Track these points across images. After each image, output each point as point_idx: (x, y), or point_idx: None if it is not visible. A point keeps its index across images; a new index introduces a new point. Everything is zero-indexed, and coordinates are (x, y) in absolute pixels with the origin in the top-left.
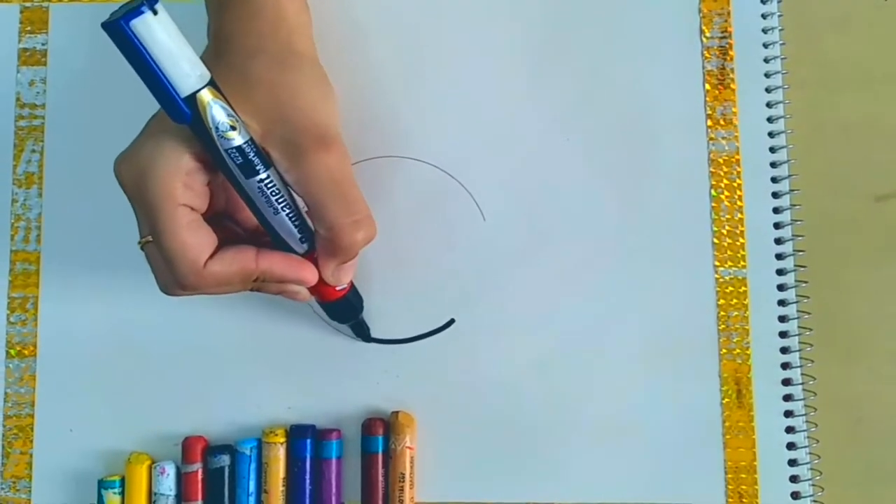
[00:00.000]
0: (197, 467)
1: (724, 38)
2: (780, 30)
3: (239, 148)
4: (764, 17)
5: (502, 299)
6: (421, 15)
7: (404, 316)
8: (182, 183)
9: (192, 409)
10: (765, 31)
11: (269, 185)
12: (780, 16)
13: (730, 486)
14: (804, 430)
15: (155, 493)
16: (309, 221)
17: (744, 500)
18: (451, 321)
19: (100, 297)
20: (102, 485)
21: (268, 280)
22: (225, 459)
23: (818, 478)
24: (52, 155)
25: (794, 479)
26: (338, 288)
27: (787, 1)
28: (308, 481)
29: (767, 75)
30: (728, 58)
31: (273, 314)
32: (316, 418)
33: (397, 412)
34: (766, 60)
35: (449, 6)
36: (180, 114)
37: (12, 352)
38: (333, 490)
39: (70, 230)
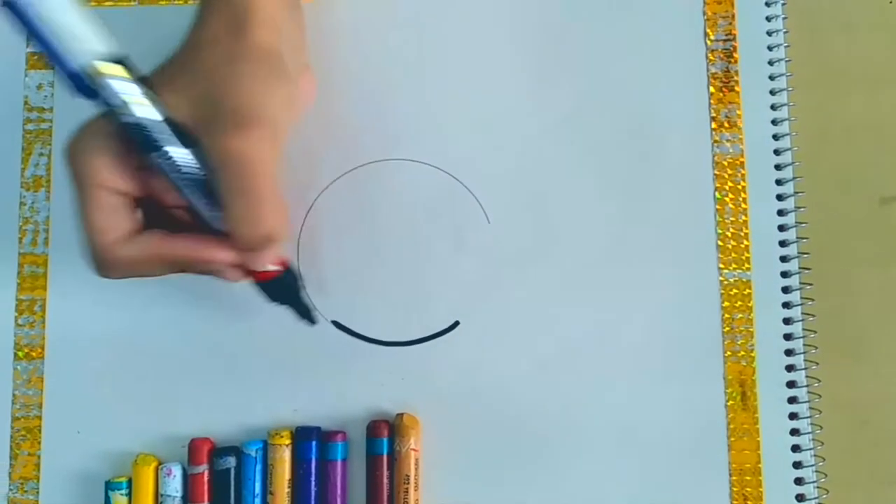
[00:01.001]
0: (203, 469)
1: (729, 40)
2: (785, 32)
3: (138, 124)
4: (768, 19)
5: (507, 302)
6: (425, 18)
7: (409, 318)
8: (103, 164)
9: (198, 411)
10: (769, 33)
11: (171, 162)
12: (784, 18)
13: (734, 489)
14: (809, 433)
15: (161, 495)
16: None
17: (748, 502)
18: (456, 323)
19: (107, 300)
20: (109, 486)
21: (181, 263)
22: (231, 461)
23: (823, 480)
24: (60, 158)
25: (798, 481)
26: (262, 270)
27: (792, 3)
28: (313, 483)
29: (772, 78)
30: (732, 60)
31: (279, 317)
32: (321, 420)
33: (402, 414)
34: (771, 63)
35: (454, 10)
36: (76, 86)
37: (20, 354)
38: (339, 492)
39: (77, 233)
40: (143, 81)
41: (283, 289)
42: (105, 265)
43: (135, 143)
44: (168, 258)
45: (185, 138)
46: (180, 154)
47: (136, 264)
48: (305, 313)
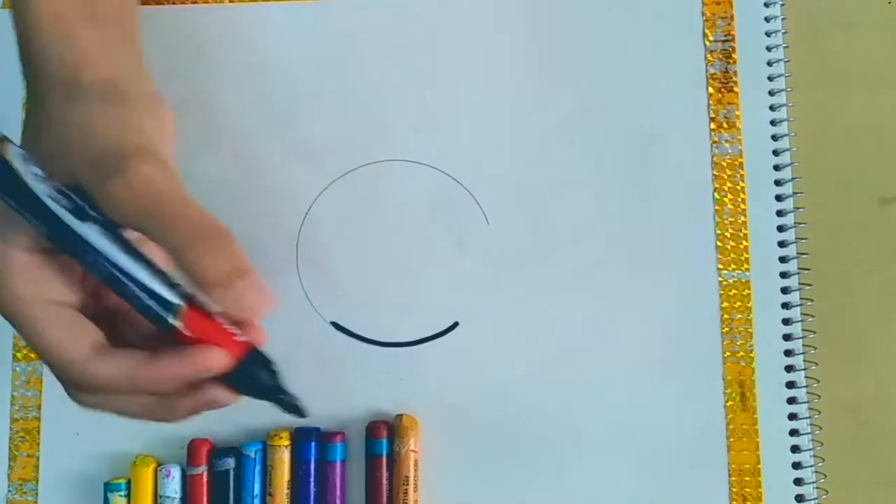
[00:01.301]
0: (202, 470)
1: (728, 41)
2: (784, 33)
3: (58, 196)
4: (767, 20)
5: (506, 302)
6: (427, 19)
7: (408, 319)
8: (37, 275)
9: None
10: (768, 34)
11: (91, 248)
12: (783, 19)
13: (734, 489)
14: (808, 433)
15: (161, 496)
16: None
17: (748, 502)
18: (456, 324)
19: None
20: (108, 487)
21: (165, 385)
22: (230, 462)
23: (822, 481)
24: None
25: (798, 481)
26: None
27: (791, 4)
28: (313, 484)
29: (771, 78)
30: (731, 61)
31: (277, 317)
32: (320, 421)
33: (401, 415)
34: (770, 63)
35: (454, 11)
36: None
37: (19, 355)
38: (338, 493)
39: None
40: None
41: (253, 378)
42: (82, 384)
43: (52, 239)
44: (154, 378)
45: (82, 212)
46: (92, 233)
47: (117, 385)
48: (290, 406)
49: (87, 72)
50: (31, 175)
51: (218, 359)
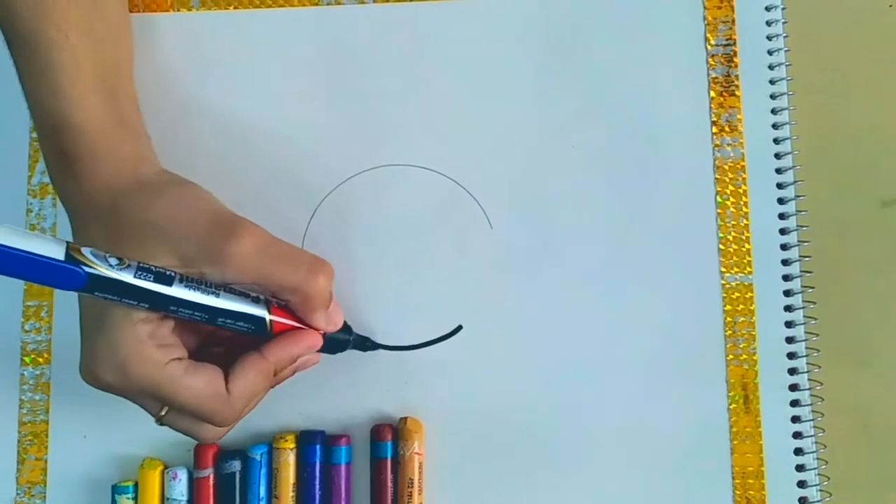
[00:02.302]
0: (209, 473)
1: (729, 45)
2: (785, 36)
3: (140, 272)
4: (768, 24)
5: (509, 306)
6: (430, 25)
7: (412, 323)
8: (154, 348)
9: None
10: (769, 38)
11: (184, 298)
12: (784, 23)
13: (737, 492)
14: (812, 436)
15: (167, 499)
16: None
17: None
18: (459, 328)
19: None
20: (116, 490)
21: (283, 366)
22: (236, 465)
23: (826, 483)
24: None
25: (801, 484)
26: (335, 330)
27: (792, 8)
28: (318, 486)
29: (772, 82)
30: (733, 65)
31: None
32: (325, 424)
33: (406, 418)
34: (771, 67)
35: (454, 15)
36: (73, 278)
37: (27, 359)
38: (343, 495)
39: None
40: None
41: (342, 341)
42: (229, 413)
43: (152, 307)
44: (273, 367)
45: (165, 277)
46: (180, 290)
47: (252, 391)
48: (364, 345)
49: (143, 168)
50: (112, 268)
51: (316, 338)
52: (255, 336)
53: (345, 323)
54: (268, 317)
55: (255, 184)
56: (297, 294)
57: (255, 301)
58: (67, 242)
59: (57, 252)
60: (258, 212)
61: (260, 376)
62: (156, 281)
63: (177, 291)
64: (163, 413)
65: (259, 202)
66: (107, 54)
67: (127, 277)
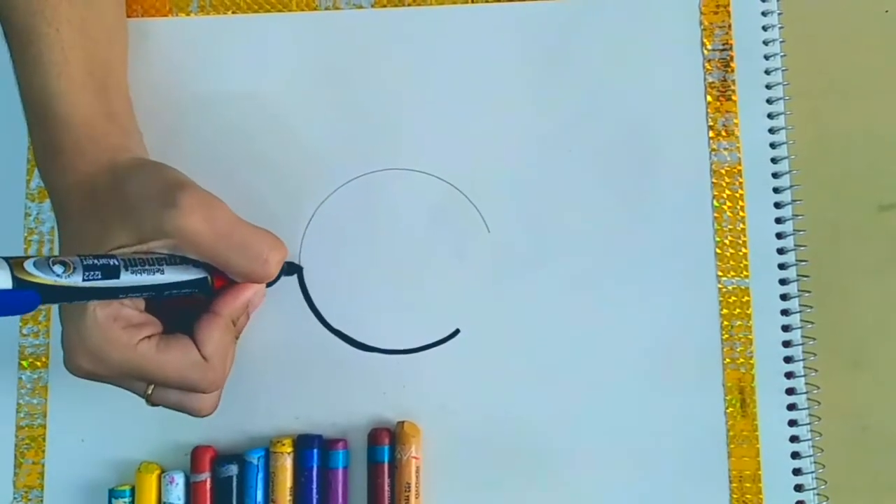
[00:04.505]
0: (205, 476)
1: (726, 50)
2: (781, 41)
3: (87, 272)
4: (765, 28)
5: (507, 310)
6: (425, 28)
7: (409, 326)
8: (120, 331)
9: (200, 420)
10: (766, 42)
11: (132, 282)
12: (780, 27)
13: (734, 496)
14: (809, 440)
15: (164, 502)
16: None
17: None
18: (457, 332)
19: None
20: (113, 494)
21: (237, 315)
22: (233, 469)
23: (823, 487)
24: None
25: (798, 487)
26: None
27: (788, 12)
28: (315, 491)
29: (769, 87)
30: (729, 69)
31: (280, 325)
32: (323, 428)
33: (403, 422)
34: (768, 72)
35: (454, 21)
36: (25, 302)
37: (25, 363)
38: (340, 499)
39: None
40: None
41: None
42: (213, 375)
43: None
44: (229, 321)
45: (112, 269)
46: (128, 277)
47: (226, 349)
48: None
49: (121, 155)
50: (59, 277)
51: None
52: (199, 294)
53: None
54: (209, 277)
55: (254, 188)
56: (249, 278)
57: (196, 264)
58: (5, 260)
59: (3, 280)
60: (257, 215)
61: (223, 332)
62: (104, 277)
63: (125, 280)
64: (149, 392)
65: (257, 206)
66: (98, 50)
67: (76, 282)
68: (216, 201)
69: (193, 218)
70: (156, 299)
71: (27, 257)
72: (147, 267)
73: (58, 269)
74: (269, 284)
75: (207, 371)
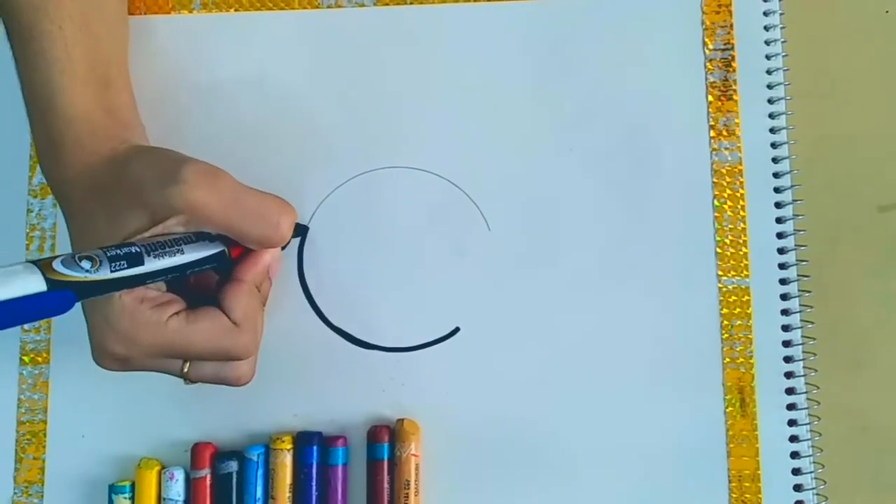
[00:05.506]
0: (205, 473)
1: (727, 49)
2: (783, 41)
3: (113, 263)
4: (766, 28)
5: (507, 308)
6: (426, 27)
7: (410, 324)
8: (150, 311)
9: (201, 416)
10: (767, 42)
11: (157, 268)
12: (782, 28)
13: (733, 495)
14: (808, 439)
15: (164, 499)
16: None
17: None
18: (457, 329)
19: None
20: (113, 489)
21: (260, 280)
22: (233, 465)
23: (822, 487)
24: None
25: (797, 487)
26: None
27: (790, 13)
28: (314, 488)
29: (770, 86)
30: (731, 69)
31: (280, 322)
32: (322, 425)
33: (402, 420)
34: (769, 72)
35: (456, 19)
36: (61, 302)
37: (26, 359)
38: (339, 496)
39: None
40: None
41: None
42: (246, 339)
43: (129, 284)
44: (253, 287)
45: (137, 257)
46: (152, 262)
47: (255, 314)
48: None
49: (119, 145)
50: (87, 272)
51: (268, 254)
52: (219, 269)
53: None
54: (226, 249)
55: (255, 185)
56: (263, 244)
57: (211, 239)
58: (34, 264)
59: (37, 283)
60: None
61: (249, 297)
62: (130, 265)
63: (149, 266)
64: (186, 369)
65: None
66: (100, 46)
67: (105, 275)
68: (219, 171)
69: (200, 191)
70: (179, 279)
71: (52, 258)
72: (167, 249)
73: (85, 264)
74: (283, 248)
75: (240, 336)
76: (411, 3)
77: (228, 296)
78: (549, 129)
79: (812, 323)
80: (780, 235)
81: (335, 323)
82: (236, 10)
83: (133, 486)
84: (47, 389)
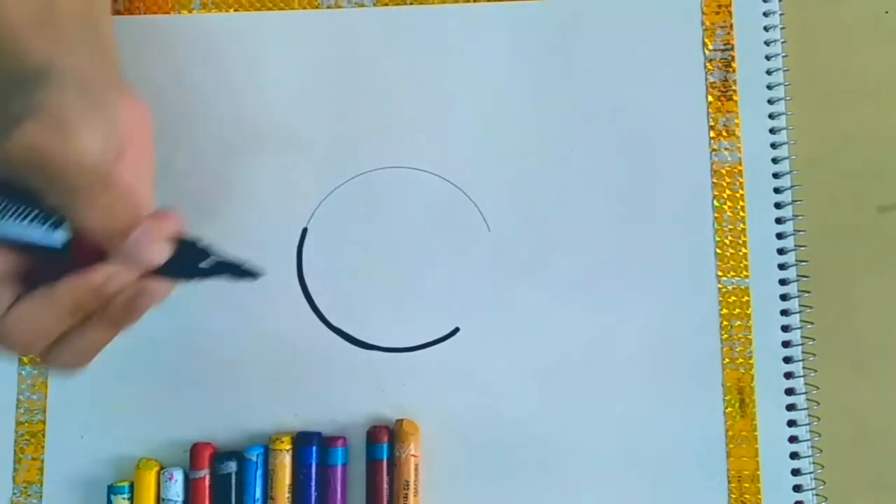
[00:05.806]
0: (205, 473)
1: (727, 50)
2: (783, 42)
3: None
4: (766, 29)
5: (506, 309)
6: (426, 27)
7: (409, 325)
8: None
9: (200, 417)
10: (767, 43)
11: None
12: (782, 28)
13: (733, 496)
14: (808, 440)
15: (163, 499)
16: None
17: None
18: (457, 330)
19: None
20: (112, 490)
21: (81, 296)
22: (232, 466)
23: (822, 487)
24: None
25: (797, 488)
26: (158, 260)
27: (790, 13)
28: (313, 488)
29: (770, 87)
30: (731, 70)
31: (280, 322)
32: (322, 426)
33: (402, 420)
34: (769, 72)
35: (456, 19)
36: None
37: (25, 359)
38: (339, 497)
39: None
40: None
41: (191, 261)
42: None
43: None
44: (61, 303)
45: None
46: None
47: (35, 324)
48: (237, 271)
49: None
50: None
51: (113, 266)
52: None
53: (188, 243)
54: (69, 243)
55: (254, 186)
56: (107, 239)
57: (57, 227)
58: None
59: None
60: (257, 213)
61: (45, 303)
62: None
63: None
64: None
65: (257, 204)
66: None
67: None
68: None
69: (52, 134)
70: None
71: None
72: None
73: None
74: (168, 273)
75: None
76: (411, 4)
77: (24, 298)
78: (549, 129)
79: (812, 323)
80: (779, 236)
81: (334, 323)
82: (236, 10)
83: (132, 486)
84: (46, 390)
